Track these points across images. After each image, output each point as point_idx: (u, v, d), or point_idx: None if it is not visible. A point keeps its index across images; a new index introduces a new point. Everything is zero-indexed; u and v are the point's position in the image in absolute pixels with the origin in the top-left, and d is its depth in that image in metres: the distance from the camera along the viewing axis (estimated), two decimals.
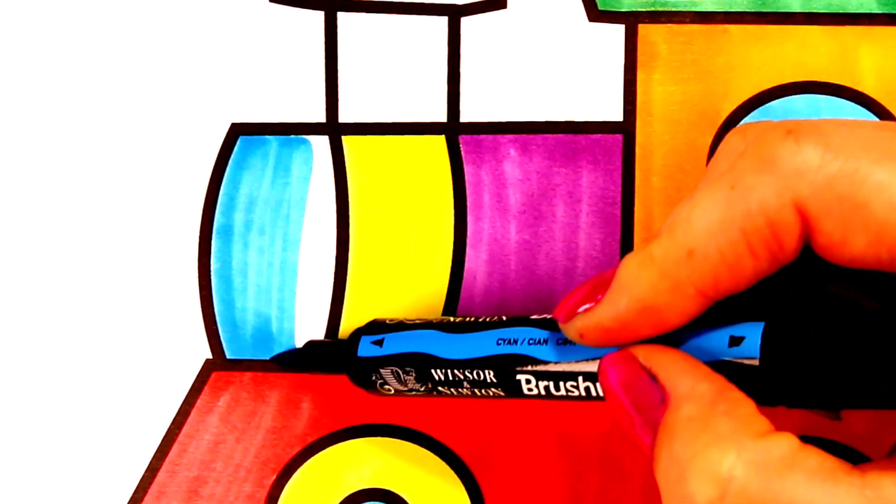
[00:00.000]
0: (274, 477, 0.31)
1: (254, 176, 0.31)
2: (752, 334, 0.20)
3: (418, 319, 0.27)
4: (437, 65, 0.30)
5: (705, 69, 0.29)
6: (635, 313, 0.21)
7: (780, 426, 0.19)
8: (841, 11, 0.29)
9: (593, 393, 0.23)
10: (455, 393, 0.26)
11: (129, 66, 0.30)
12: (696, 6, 0.29)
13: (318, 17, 0.30)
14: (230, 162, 0.30)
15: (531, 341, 0.24)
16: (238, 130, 0.30)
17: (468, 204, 0.30)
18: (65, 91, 0.31)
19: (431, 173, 0.30)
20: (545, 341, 0.24)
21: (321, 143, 0.30)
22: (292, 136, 0.30)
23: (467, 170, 0.30)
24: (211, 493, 0.31)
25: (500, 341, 0.24)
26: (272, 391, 0.31)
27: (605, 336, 0.21)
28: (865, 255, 0.19)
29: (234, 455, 0.31)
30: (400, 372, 0.26)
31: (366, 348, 0.27)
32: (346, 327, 0.31)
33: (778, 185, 0.19)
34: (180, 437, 0.31)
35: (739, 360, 0.20)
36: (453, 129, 0.30)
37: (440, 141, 0.30)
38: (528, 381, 0.24)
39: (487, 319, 0.25)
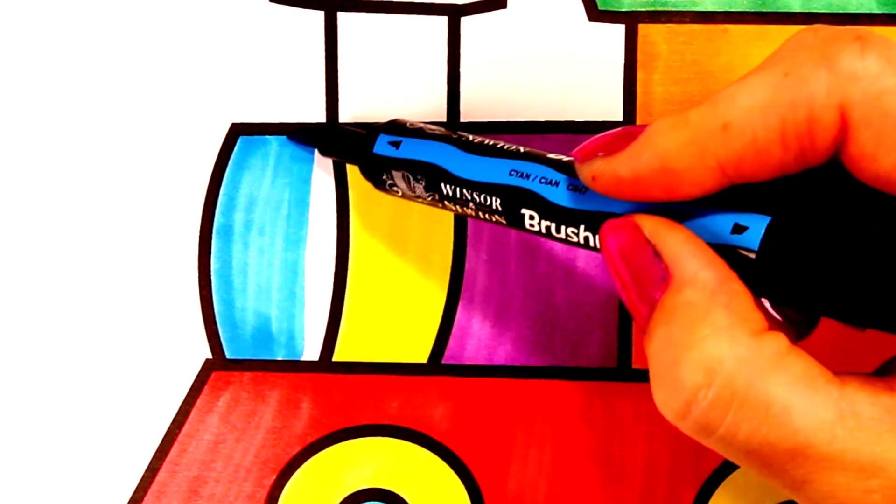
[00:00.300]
0: (274, 477, 0.31)
1: (254, 176, 0.31)
2: (757, 226, 0.20)
3: (438, 129, 0.27)
4: (437, 65, 0.30)
5: (705, 69, 0.29)
6: (654, 171, 0.21)
7: None
8: (841, 11, 0.29)
9: (591, 243, 0.23)
10: (459, 210, 0.26)
11: (129, 66, 0.30)
12: (696, 6, 0.29)
13: (318, 17, 0.30)
14: (230, 162, 0.30)
15: (543, 180, 0.24)
16: (238, 130, 0.30)
17: None
18: (65, 91, 0.31)
19: None
20: (556, 183, 0.23)
21: None
22: None
23: None
24: (211, 493, 0.31)
25: (512, 172, 0.24)
26: (272, 391, 0.31)
27: (617, 186, 0.21)
28: (890, 175, 0.19)
29: (234, 455, 0.31)
30: (410, 177, 0.26)
31: (382, 146, 0.27)
32: (346, 328, 0.31)
33: (830, 83, 0.19)
34: (180, 437, 0.31)
35: (737, 248, 0.20)
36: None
37: None
38: (531, 217, 0.24)
39: (505, 147, 0.25)
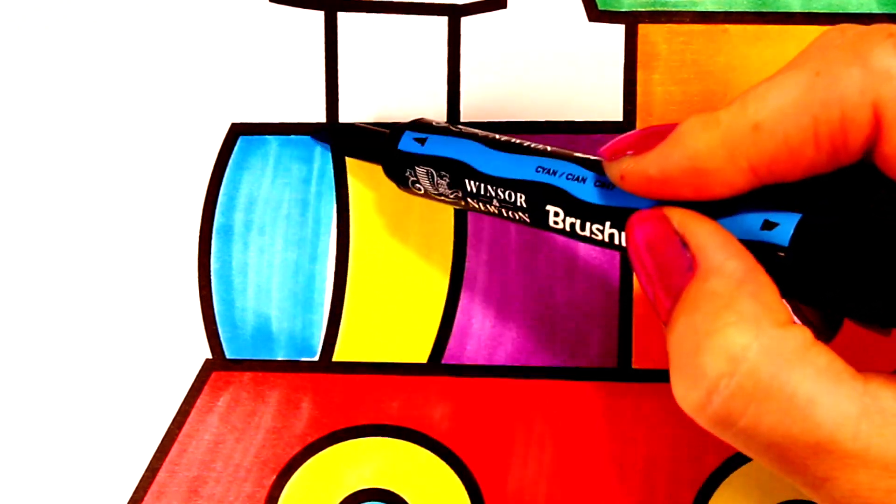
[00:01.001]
0: (274, 477, 0.31)
1: (254, 176, 0.31)
2: (787, 222, 0.20)
3: (464, 128, 0.27)
4: (437, 65, 0.30)
5: (705, 69, 0.29)
6: (683, 171, 0.20)
7: None
8: (841, 11, 0.29)
9: (616, 241, 0.23)
10: (482, 208, 0.26)
11: (129, 66, 0.30)
12: (696, 6, 0.29)
13: (318, 17, 0.30)
14: (230, 162, 0.30)
15: (570, 176, 0.23)
16: (238, 130, 0.30)
17: None
18: (65, 91, 0.31)
19: None
20: (583, 179, 0.23)
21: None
22: (292, 136, 0.30)
23: None
24: (211, 493, 0.31)
25: (539, 168, 0.24)
26: (272, 391, 0.31)
27: (646, 185, 0.21)
28: None
29: (234, 455, 0.31)
30: (434, 174, 0.26)
31: (407, 143, 0.27)
32: (346, 328, 0.31)
33: (863, 82, 0.19)
34: (180, 437, 0.31)
35: (766, 244, 0.20)
36: None
37: None
38: (556, 214, 0.24)
39: (532, 145, 0.25)
